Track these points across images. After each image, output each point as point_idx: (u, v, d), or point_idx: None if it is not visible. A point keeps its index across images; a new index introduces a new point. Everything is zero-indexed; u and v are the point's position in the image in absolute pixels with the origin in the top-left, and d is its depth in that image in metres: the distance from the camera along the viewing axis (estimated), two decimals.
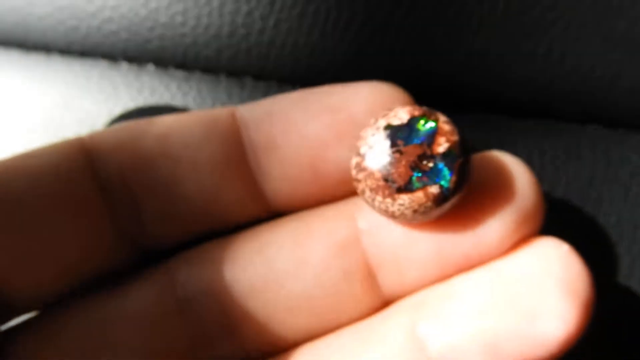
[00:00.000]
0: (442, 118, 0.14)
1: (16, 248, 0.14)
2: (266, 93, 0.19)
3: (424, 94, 0.20)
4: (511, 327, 0.14)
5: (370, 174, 0.14)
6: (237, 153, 0.15)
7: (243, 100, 0.19)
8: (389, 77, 0.19)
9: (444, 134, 0.14)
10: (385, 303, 0.15)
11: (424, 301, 0.15)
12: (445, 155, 0.14)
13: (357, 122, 0.15)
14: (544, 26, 0.19)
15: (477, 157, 0.16)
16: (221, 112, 0.16)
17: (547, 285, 0.14)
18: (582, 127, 0.20)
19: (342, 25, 0.19)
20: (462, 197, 0.14)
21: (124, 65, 0.20)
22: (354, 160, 0.14)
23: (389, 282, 0.15)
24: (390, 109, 0.14)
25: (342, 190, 0.15)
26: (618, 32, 0.18)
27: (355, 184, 0.14)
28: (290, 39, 0.19)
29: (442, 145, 0.14)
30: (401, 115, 0.14)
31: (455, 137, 0.14)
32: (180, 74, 0.20)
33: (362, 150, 0.14)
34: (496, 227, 0.14)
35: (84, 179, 0.15)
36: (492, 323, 0.14)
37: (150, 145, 0.15)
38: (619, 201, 0.19)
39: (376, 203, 0.14)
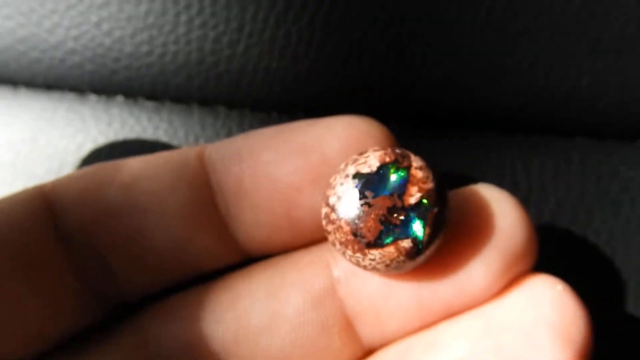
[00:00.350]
0: (415, 164, 0.13)
1: None
2: (240, 122, 0.19)
3: (407, 114, 0.19)
4: None
5: (339, 228, 0.13)
6: (206, 199, 0.15)
7: (217, 130, 0.19)
8: (367, 99, 0.19)
9: (417, 182, 0.13)
10: (368, 352, 0.15)
11: (407, 351, 0.14)
12: (417, 207, 0.13)
13: (331, 163, 0.14)
14: (528, 38, 0.18)
15: (460, 192, 0.15)
16: (189, 153, 0.15)
17: (538, 333, 0.13)
18: (571, 140, 0.19)
19: (315, 47, 0.18)
20: (440, 247, 0.14)
21: (92, 98, 0.19)
22: (324, 210, 0.13)
23: (368, 332, 0.14)
24: (362, 153, 0.14)
25: (319, 236, 0.15)
26: (604, 42, 0.18)
27: (326, 234, 0.14)
28: (261, 65, 0.18)
29: (413, 196, 0.13)
30: (371, 161, 0.13)
31: (428, 185, 0.13)
32: (150, 104, 0.19)
33: (331, 200, 0.13)
34: (480, 272, 0.14)
35: (45, 233, 0.14)
36: None
37: (115, 195, 0.14)
38: (609, 217, 0.18)
39: (347, 256, 0.13)
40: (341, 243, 0.13)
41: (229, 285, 0.15)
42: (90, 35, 0.18)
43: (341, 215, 0.13)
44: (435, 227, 0.13)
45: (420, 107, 0.19)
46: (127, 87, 0.19)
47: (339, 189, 0.13)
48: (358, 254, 0.13)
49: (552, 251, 0.18)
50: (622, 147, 0.19)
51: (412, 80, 0.18)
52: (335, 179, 0.13)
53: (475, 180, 0.16)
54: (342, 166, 0.13)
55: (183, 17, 0.18)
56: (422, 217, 0.13)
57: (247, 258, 0.15)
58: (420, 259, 0.13)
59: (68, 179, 0.15)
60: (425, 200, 0.13)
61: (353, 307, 0.14)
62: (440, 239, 0.13)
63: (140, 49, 0.18)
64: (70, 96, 0.19)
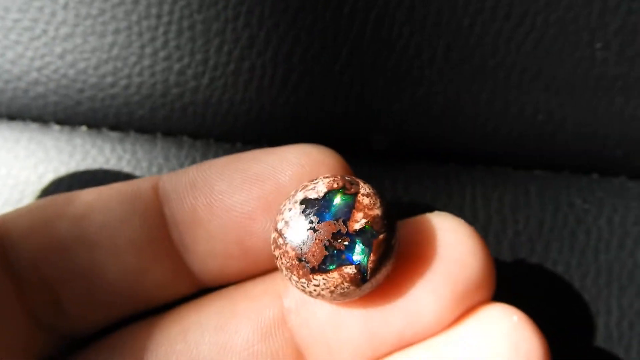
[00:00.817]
0: (363, 190, 0.13)
1: None
2: (204, 152, 0.19)
3: (370, 146, 0.19)
4: None
5: (285, 252, 0.13)
6: (159, 230, 0.15)
7: (181, 160, 0.19)
8: (330, 132, 0.19)
9: (362, 208, 0.13)
10: None
11: None
12: (362, 233, 0.13)
13: (284, 191, 0.14)
14: (485, 75, 0.18)
15: (414, 220, 0.15)
16: (142, 184, 0.15)
17: None
18: (529, 173, 0.19)
19: (279, 80, 0.18)
20: (387, 275, 0.13)
21: (55, 128, 0.19)
22: (272, 235, 0.14)
23: None
24: (312, 180, 0.14)
25: (273, 265, 0.14)
26: (559, 78, 0.18)
27: (274, 259, 0.14)
28: (226, 96, 0.18)
29: (358, 222, 0.13)
30: (319, 187, 0.13)
31: (374, 212, 0.13)
32: (114, 135, 0.19)
33: (279, 225, 0.13)
34: (430, 301, 0.13)
35: None
36: None
37: (66, 229, 0.14)
38: (566, 249, 0.19)
39: (293, 282, 0.13)
40: (287, 268, 0.13)
41: (180, 317, 0.15)
42: (54, 67, 0.18)
43: (287, 240, 0.13)
44: (381, 255, 0.13)
45: (382, 139, 0.19)
46: (91, 117, 0.19)
47: (287, 214, 0.13)
48: (303, 280, 0.13)
49: (510, 282, 0.18)
50: (578, 179, 0.19)
51: (374, 113, 0.19)
52: (284, 205, 0.13)
53: (435, 210, 0.17)
54: (293, 192, 0.14)
55: (148, 50, 0.18)
56: (366, 244, 0.13)
57: (201, 289, 0.15)
58: (366, 286, 0.13)
59: (18, 213, 0.15)
60: (370, 227, 0.13)
61: (303, 338, 0.14)
62: (388, 267, 0.13)
63: (105, 81, 0.18)
64: (33, 126, 0.19)
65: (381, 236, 0.13)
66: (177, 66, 0.18)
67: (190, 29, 0.18)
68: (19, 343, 0.14)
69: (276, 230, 0.13)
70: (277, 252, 0.13)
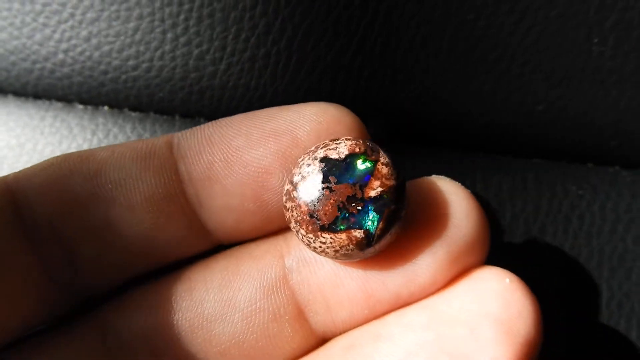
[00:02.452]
0: (382, 159, 0.14)
1: None
2: None
3: (376, 132, 0.20)
4: None
5: (298, 206, 0.13)
6: (174, 187, 0.15)
7: None
8: None
9: (380, 177, 0.13)
10: (323, 340, 0.15)
11: (353, 344, 0.14)
12: (376, 200, 0.13)
13: (302, 146, 0.14)
14: (488, 67, 0.19)
15: (412, 183, 0.15)
16: (157, 142, 0.15)
17: (481, 326, 0.13)
18: (528, 161, 0.20)
19: (293, 67, 0.19)
20: (390, 243, 0.14)
21: (79, 107, 0.20)
22: (286, 187, 0.14)
23: (320, 321, 0.15)
24: (334, 139, 0.14)
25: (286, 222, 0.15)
26: (558, 71, 0.19)
27: (284, 210, 0.14)
28: (242, 82, 0.19)
29: (374, 190, 0.13)
30: (341, 149, 0.13)
31: (391, 182, 0.13)
32: (135, 115, 0.20)
33: (295, 179, 0.13)
34: (427, 262, 0.14)
35: (9, 225, 0.14)
36: None
37: (80, 186, 0.14)
38: (560, 232, 0.20)
39: (299, 236, 0.14)
40: (296, 221, 0.14)
41: (186, 276, 0.15)
42: (80, 49, 0.19)
43: (301, 195, 0.13)
44: (389, 224, 0.13)
45: (381, 124, 0.20)
46: (113, 98, 0.20)
47: (305, 170, 0.13)
48: (310, 235, 0.13)
49: (506, 263, 0.19)
50: (574, 168, 0.20)
51: (382, 100, 0.20)
52: (303, 159, 0.14)
53: None
54: (313, 148, 0.14)
55: (169, 35, 0.19)
56: (378, 212, 0.13)
57: (216, 245, 0.16)
58: (369, 251, 0.14)
59: (32, 170, 0.15)
60: (385, 196, 0.13)
61: (304, 296, 0.15)
62: (392, 236, 0.14)
63: (127, 63, 0.19)
64: (58, 105, 0.20)
65: (393, 207, 0.13)
66: (196, 51, 0.19)
67: (209, 16, 0.19)
68: (34, 300, 0.14)
69: (291, 183, 0.14)
70: (289, 204, 0.14)
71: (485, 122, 0.20)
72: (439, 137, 0.20)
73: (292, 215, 0.14)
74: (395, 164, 0.14)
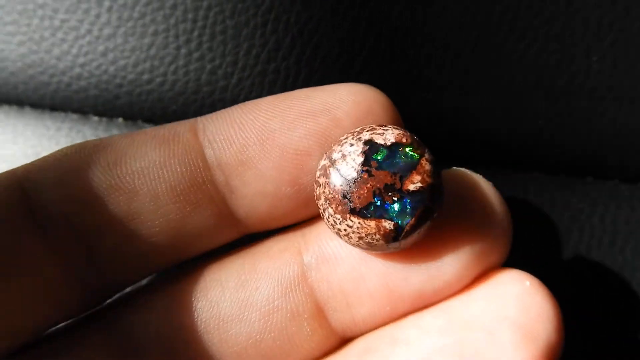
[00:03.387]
0: (427, 155, 0.13)
1: None
2: None
3: None
4: None
5: (332, 184, 0.13)
6: (202, 174, 0.14)
7: None
8: None
9: (422, 172, 0.13)
10: (343, 340, 0.15)
11: (369, 348, 0.14)
12: (413, 195, 0.13)
13: (342, 126, 0.13)
14: (489, 82, 0.20)
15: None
16: (180, 128, 0.14)
17: (501, 330, 0.13)
18: (528, 174, 0.21)
19: (301, 82, 0.20)
20: (415, 243, 0.13)
21: (94, 119, 0.21)
22: (323, 162, 0.13)
23: (339, 319, 0.14)
24: (381, 125, 0.13)
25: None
26: (557, 87, 0.20)
27: (315, 186, 0.13)
28: (252, 95, 0.20)
29: (414, 184, 0.13)
30: (388, 135, 0.13)
31: (432, 180, 0.13)
32: (148, 127, 0.21)
33: (334, 155, 0.13)
34: (455, 259, 0.13)
35: (21, 223, 0.13)
36: None
37: (98, 177, 0.13)
38: (561, 243, 0.20)
39: (326, 214, 0.13)
40: (327, 199, 0.13)
41: (201, 276, 0.15)
42: (97, 64, 0.20)
43: (339, 173, 0.13)
44: (420, 222, 0.13)
45: None
46: (127, 110, 0.21)
47: (347, 148, 0.13)
48: (338, 216, 0.13)
49: None
50: (573, 182, 0.21)
51: None
52: (346, 138, 0.13)
53: None
54: (358, 130, 0.13)
55: (183, 50, 0.20)
56: (413, 207, 0.13)
57: (244, 235, 0.15)
58: (394, 245, 0.13)
59: (44, 162, 0.14)
60: (423, 192, 0.13)
61: (323, 293, 0.14)
62: (419, 235, 0.13)
63: (142, 77, 0.20)
64: (74, 117, 0.21)
65: (428, 205, 0.13)
66: (208, 66, 0.20)
67: (222, 33, 0.19)
68: (51, 299, 0.14)
69: (329, 158, 0.13)
70: (322, 180, 0.13)
71: (485, 136, 0.21)
72: (436, 150, 0.21)
73: (324, 192, 0.13)
74: (437, 164, 0.13)
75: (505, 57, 0.19)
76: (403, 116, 0.20)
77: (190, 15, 0.19)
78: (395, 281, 0.14)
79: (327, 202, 0.13)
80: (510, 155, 0.21)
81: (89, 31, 0.20)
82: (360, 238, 0.13)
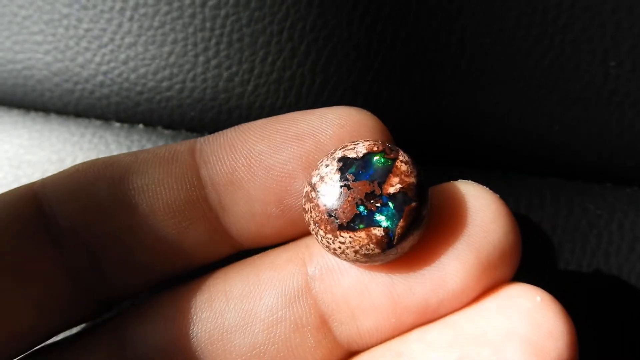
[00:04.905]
0: (401, 157, 0.13)
1: None
2: None
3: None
4: None
5: (316, 206, 0.13)
6: (196, 192, 0.14)
7: None
8: None
9: (399, 174, 0.13)
10: (349, 354, 0.15)
11: None
12: (395, 197, 0.13)
13: (325, 150, 0.14)
14: (505, 87, 0.20)
15: (439, 187, 0.14)
16: (180, 147, 0.15)
17: (508, 346, 0.12)
18: (544, 179, 0.21)
19: (316, 88, 0.20)
20: (414, 244, 0.13)
21: (116, 125, 0.21)
22: (305, 189, 0.13)
23: (344, 331, 0.14)
24: (353, 141, 0.14)
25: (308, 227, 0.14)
26: (574, 92, 0.20)
27: (303, 214, 0.13)
28: (268, 102, 0.20)
29: (393, 186, 0.13)
30: (359, 148, 0.13)
31: (410, 180, 0.13)
32: (168, 132, 0.21)
33: (313, 180, 0.13)
34: (457, 268, 0.13)
35: (34, 231, 0.14)
36: None
37: (104, 192, 0.14)
38: (578, 250, 0.20)
39: (319, 237, 0.13)
40: (315, 222, 0.13)
41: (205, 286, 0.15)
42: (118, 71, 0.21)
43: (320, 194, 0.13)
44: (411, 222, 0.13)
45: (405, 143, 0.21)
46: (147, 117, 0.21)
47: (323, 170, 0.13)
48: (329, 235, 0.13)
49: (522, 281, 0.20)
50: (591, 187, 0.21)
51: (399, 120, 0.20)
52: (321, 161, 0.13)
53: None
54: (332, 151, 0.14)
55: (201, 58, 0.20)
56: (398, 209, 0.13)
57: (239, 250, 0.15)
58: (391, 252, 0.13)
59: (58, 177, 0.15)
60: (404, 193, 0.13)
61: (327, 305, 0.14)
62: (415, 237, 0.13)
63: (162, 85, 0.21)
64: (97, 123, 0.22)
65: (413, 204, 0.13)
66: (226, 74, 0.20)
67: (239, 41, 0.20)
68: (59, 305, 0.14)
69: (310, 184, 0.13)
70: (307, 206, 0.13)
71: (500, 141, 0.21)
72: (452, 155, 0.21)
73: (311, 216, 0.13)
74: (415, 163, 0.13)
75: (521, 63, 0.19)
76: (418, 122, 0.20)
77: (208, 24, 0.20)
78: (399, 292, 0.14)
79: (317, 225, 0.13)
80: (524, 160, 0.21)
81: (112, 40, 0.20)
82: (356, 252, 0.13)
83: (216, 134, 0.15)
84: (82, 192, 0.14)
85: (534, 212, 0.20)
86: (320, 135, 0.14)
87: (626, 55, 0.19)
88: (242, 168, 0.14)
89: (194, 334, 0.14)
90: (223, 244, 0.15)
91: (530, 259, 0.20)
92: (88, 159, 0.21)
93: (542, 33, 0.19)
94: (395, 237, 0.13)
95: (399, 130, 0.21)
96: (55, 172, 0.21)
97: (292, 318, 0.14)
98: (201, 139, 0.15)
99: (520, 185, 0.21)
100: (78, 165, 0.15)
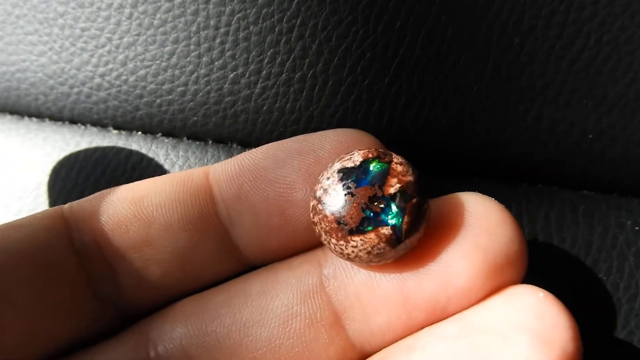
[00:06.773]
0: (396, 159, 0.14)
1: None
2: None
3: (414, 159, 0.20)
4: None
5: (324, 217, 0.14)
6: (208, 208, 0.16)
7: None
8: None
9: (396, 174, 0.14)
10: (362, 355, 0.15)
11: (385, 357, 0.14)
12: (396, 196, 0.14)
13: (323, 163, 0.15)
14: (533, 93, 0.18)
15: (445, 197, 0.15)
16: (195, 171, 0.16)
17: (516, 335, 0.13)
18: (576, 192, 0.19)
19: (329, 91, 0.18)
20: (421, 239, 0.14)
21: (113, 132, 0.20)
22: (311, 203, 0.14)
23: (356, 327, 0.15)
24: (348, 153, 0.15)
25: (312, 239, 0.15)
26: (609, 99, 0.18)
27: (313, 227, 0.14)
28: (277, 105, 0.19)
29: (393, 186, 0.14)
30: (355, 158, 0.14)
31: (408, 178, 0.14)
32: (168, 141, 0.20)
33: (318, 193, 0.14)
34: (463, 266, 0.14)
35: (62, 248, 0.15)
36: None
37: (125, 209, 0.15)
38: (614, 269, 0.18)
39: (331, 246, 0.14)
40: (326, 232, 0.14)
41: (226, 288, 0.16)
42: (117, 73, 0.19)
43: (326, 206, 0.14)
44: (415, 217, 0.14)
45: (428, 152, 0.19)
46: (147, 122, 0.20)
47: (325, 183, 0.14)
48: (342, 242, 0.14)
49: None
50: (628, 201, 0.19)
51: (419, 127, 0.19)
52: (322, 175, 0.14)
53: None
54: (330, 164, 0.15)
55: (204, 59, 0.19)
56: (401, 207, 0.14)
57: (246, 267, 0.16)
58: (401, 247, 0.14)
59: (85, 200, 0.16)
60: (404, 191, 0.14)
61: (340, 302, 0.15)
62: (420, 230, 0.14)
63: (162, 87, 0.19)
64: (93, 130, 0.20)
65: (414, 200, 0.14)
66: (231, 75, 0.19)
67: (245, 39, 0.18)
68: (80, 312, 0.15)
69: (315, 198, 0.14)
70: (316, 218, 0.14)
71: (529, 151, 0.19)
72: (478, 166, 0.19)
73: (321, 227, 0.14)
74: (409, 163, 0.14)
75: (552, 66, 0.18)
76: (439, 128, 0.19)
77: (212, 22, 0.18)
78: (409, 287, 0.14)
79: (328, 234, 0.14)
80: (555, 172, 0.19)
81: (109, 39, 0.19)
82: (369, 252, 0.14)
83: (230, 159, 0.16)
84: (104, 210, 0.16)
85: (567, 227, 0.19)
86: (320, 151, 0.15)
87: None
88: (248, 182, 0.16)
89: (213, 330, 0.15)
90: (232, 258, 0.16)
91: (561, 280, 0.18)
92: (83, 169, 0.20)
93: (576, 32, 0.17)
94: (403, 233, 0.14)
95: (419, 137, 0.19)
96: (51, 183, 0.20)
97: (306, 313, 0.15)
98: (216, 165, 0.16)
99: (551, 198, 0.19)
100: (104, 191, 0.16)
